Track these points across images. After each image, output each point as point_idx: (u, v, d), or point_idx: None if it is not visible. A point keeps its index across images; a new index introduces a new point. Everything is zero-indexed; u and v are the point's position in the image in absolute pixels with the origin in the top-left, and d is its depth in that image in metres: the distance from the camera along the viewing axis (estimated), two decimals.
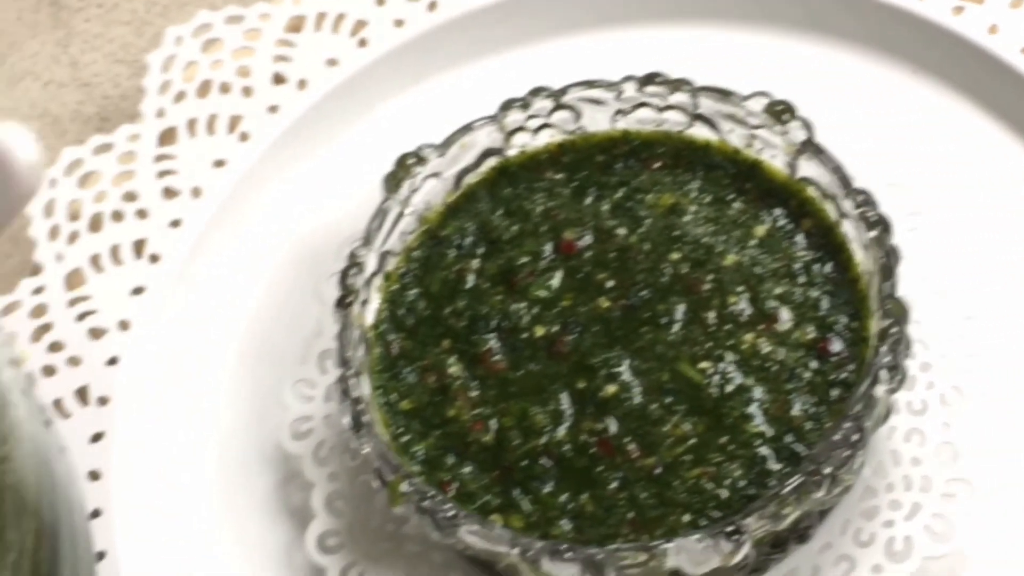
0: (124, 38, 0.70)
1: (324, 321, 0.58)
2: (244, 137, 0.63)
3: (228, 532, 0.56)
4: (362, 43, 0.64)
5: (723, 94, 0.55)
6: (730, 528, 0.47)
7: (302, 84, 0.64)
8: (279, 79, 0.64)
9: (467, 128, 0.56)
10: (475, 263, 0.55)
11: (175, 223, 0.62)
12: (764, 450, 0.50)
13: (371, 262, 0.54)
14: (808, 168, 0.54)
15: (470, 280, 0.55)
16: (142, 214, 0.62)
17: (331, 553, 0.55)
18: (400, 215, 0.55)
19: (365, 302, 0.54)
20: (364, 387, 0.52)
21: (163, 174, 0.63)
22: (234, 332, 0.60)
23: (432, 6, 0.64)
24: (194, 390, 0.59)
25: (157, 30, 0.69)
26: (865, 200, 0.52)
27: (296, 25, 0.65)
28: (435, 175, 0.56)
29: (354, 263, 0.54)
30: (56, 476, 0.47)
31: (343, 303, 0.53)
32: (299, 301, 0.60)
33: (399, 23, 0.64)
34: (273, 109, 0.63)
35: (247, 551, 0.56)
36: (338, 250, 0.57)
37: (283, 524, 0.57)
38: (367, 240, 0.54)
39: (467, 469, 0.52)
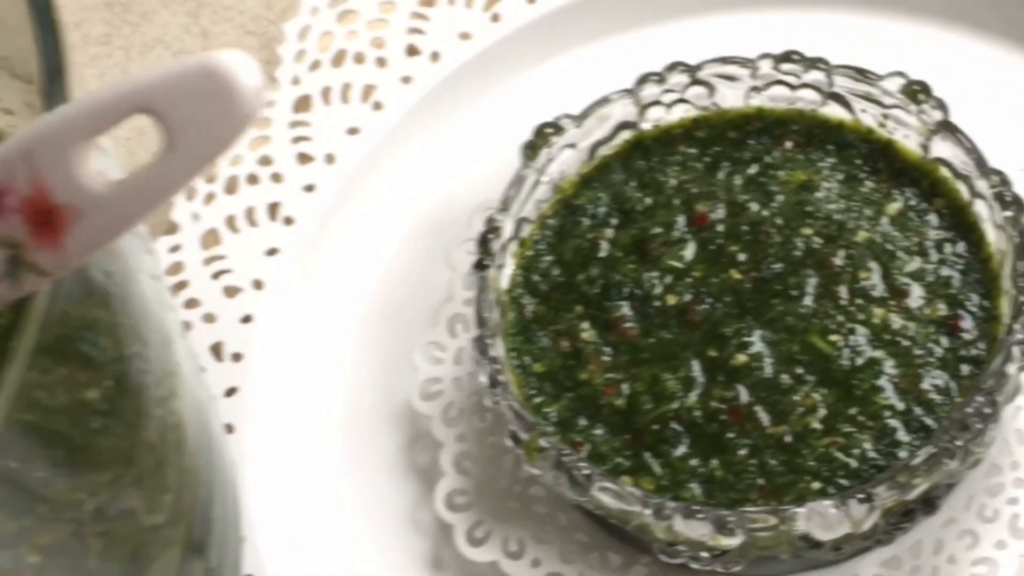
0: (255, 10, 0.71)
1: (454, 286, 0.59)
2: (378, 106, 0.64)
3: (356, 488, 0.58)
4: (495, 18, 0.65)
5: (859, 72, 0.56)
6: (862, 495, 0.48)
7: (435, 56, 0.65)
8: (413, 51, 0.65)
9: (604, 100, 0.57)
10: (608, 232, 0.56)
11: (309, 188, 0.63)
12: (894, 422, 0.51)
13: (507, 228, 0.56)
14: (942, 148, 0.55)
15: (603, 249, 0.56)
16: (277, 178, 0.63)
17: (459, 511, 0.56)
18: (536, 183, 0.56)
19: (500, 267, 0.55)
20: (499, 349, 0.54)
21: (297, 140, 0.64)
22: (364, 294, 0.61)
23: None
24: (325, 350, 0.60)
25: (287, 3, 0.70)
26: (1001, 180, 0.53)
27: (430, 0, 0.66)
28: (571, 146, 0.57)
29: (492, 228, 0.55)
30: (210, 422, 0.48)
31: (480, 266, 0.54)
32: (428, 267, 0.61)
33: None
34: (406, 80, 0.65)
35: (374, 507, 0.57)
36: (468, 218, 0.59)
37: (410, 482, 0.58)
38: (504, 206, 0.55)
39: (599, 431, 0.53)
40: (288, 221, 0.63)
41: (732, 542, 0.49)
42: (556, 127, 0.57)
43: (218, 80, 0.28)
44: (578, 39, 0.65)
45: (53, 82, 0.35)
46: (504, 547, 0.55)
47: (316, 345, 0.61)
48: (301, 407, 0.59)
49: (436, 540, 0.57)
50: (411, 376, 0.59)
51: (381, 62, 0.66)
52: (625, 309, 0.54)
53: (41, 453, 0.37)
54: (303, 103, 0.65)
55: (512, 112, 0.64)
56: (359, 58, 0.66)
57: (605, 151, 0.58)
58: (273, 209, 0.63)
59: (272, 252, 0.62)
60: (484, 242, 0.55)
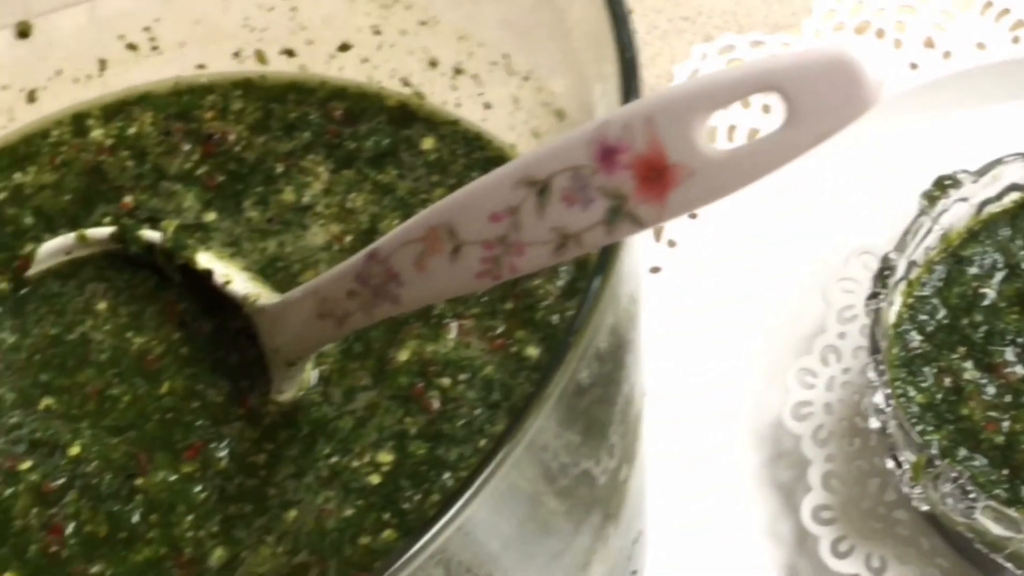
0: None
1: (828, 320, 0.64)
2: None
3: (722, 494, 0.62)
4: (913, 66, 0.69)
5: None
6: None
7: None
8: None
9: (998, 161, 0.61)
10: (993, 283, 0.60)
11: (692, 215, 0.68)
12: None
13: (900, 268, 0.60)
14: None
15: (988, 298, 0.60)
16: None
17: (824, 525, 0.60)
18: (929, 231, 0.61)
19: (890, 304, 0.59)
20: (885, 376, 0.58)
21: None
22: (738, 319, 0.66)
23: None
24: (702, 367, 0.65)
25: (655, 52, 0.75)
26: None
27: None
28: (963, 199, 0.61)
29: (887, 266, 0.59)
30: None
31: (875, 298, 0.59)
32: (803, 299, 0.66)
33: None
34: None
35: (737, 515, 0.62)
36: (846, 260, 0.63)
37: (771, 496, 0.62)
38: (900, 247, 0.60)
39: (978, 463, 0.56)
40: (671, 244, 0.68)
41: None
42: (954, 181, 0.61)
43: (847, 70, 0.33)
44: (982, 98, 0.68)
45: (629, 74, 0.40)
46: (867, 563, 0.59)
47: (692, 362, 0.65)
48: (678, 411, 0.64)
49: (793, 551, 0.61)
50: (781, 397, 0.63)
51: (766, 108, 0.70)
52: (1008, 355, 0.58)
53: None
54: None
55: (903, 157, 0.68)
56: (745, 103, 0.71)
57: (993, 208, 0.62)
58: (657, 231, 0.68)
59: (655, 270, 0.67)
60: (881, 277, 0.59)
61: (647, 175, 0.36)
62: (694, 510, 0.61)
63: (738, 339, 0.65)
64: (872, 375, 0.57)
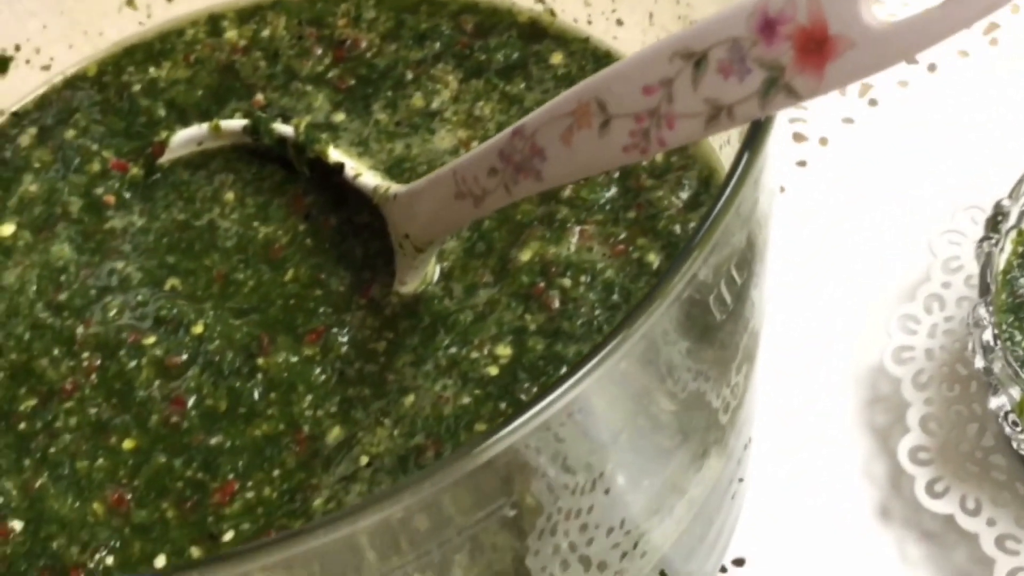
0: None
1: (933, 270, 0.64)
2: (873, 102, 0.70)
3: (815, 431, 0.62)
4: (993, 42, 0.70)
5: None
6: None
7: (932, 67, 0.70)
8: (910, 59, 0.71)
9: None
10: None
11: (801, 163, 0.69)
12: None
13: (1012, 215, 0.60)
14: None
15: None
16: None
17: (920, 465, 0.60)
18: None
19: (1000, 250, 0.60)
20: (994, 317, 0.58)
21: (794, 120, 0.70)
22: (841, 268, 0.67)
23: None
24: (805, 315, 0.65)
25: None
26: None
27: None
28: None
29: (999, 212, 0.60)
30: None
31: (986, 241, 0.59)
32: (905, 249, 0.66)
33: None
34: (903, 84, 0.70)
35: (831, 453, 0.62)
36: (954, 214, 0.64)
37: (866, 437, 0.63)
38: (1014, 195, 0.60)
39: None
40: (781, 190, 0.68)
41: None
42: None
43: None
44: None
45: None
46: (962, 504, 0.59)
47: (797, 309, 0.66)
48: (780, 357, 0.64)
49: (886, 491, 0.61)
50: (881, 344, 0.63)
51: None
52: None
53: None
54: None
55: (1002, 124, 0.68)
56: None
57: None
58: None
59: None
60: (994, 222, 0.59)
61: (806, 46, 0.37)
62: (793, 447, 0.62)
63: (841, 288, 0.66)
64: (982, 312, 0.57)
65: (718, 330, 0.44)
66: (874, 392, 0.64)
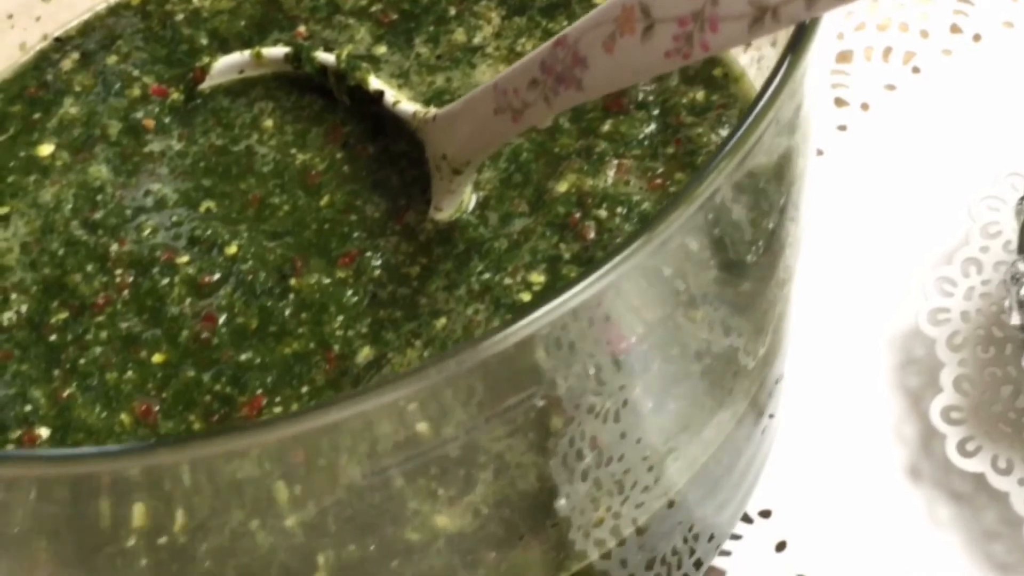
0: None
1: (971, 234, 0.64)
2: (916, 70, 0.70)
3: (854, 393, 0.62)
4: None
5: None
6: None
7: (976, 37, 0.70)
8: (955, 28, 0.70)
9: None
10: None
11: (841, 127, 0.68)
12: None
13: None
14: None
15: None
16: None
17: (952, 424, 0.59)
18: None
19: None
20: None
21: (836, 86, 0.70)
22: (884, 228, 0.66)
23: None
24: (840, 277, 0.65)
25: None
26: None
27: None
28: None
29: None
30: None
31: None
32: (944, 213, 0.66)
33: None
34: (947, 52, 0.70)
35: (862, 413, 0.61)
36: (994, 180, 0.63)
37: (898, 398, 0.62)
38: None
39: None
40: (819, 152, 0.68)
41: None
42: None
43: None
44: None
45: None
46: (993, 463, 0.58)
47: (837, 268, 0.65)
48: (814, 315, 0.64)
49: (917, 452, 0.61)
50: (917, 306, 0.63)
51: (924, 33, 0.71)
52: None
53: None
54: (844, 56, 0.71)
55: None
56: (903, 27, 0.71)
57: None
58: None
59: None
60: None
61: None
62: (825, 405, 0.61)
63: (878, 250, 0.66)
64: (1022, 267, 0.56)
65: (755, 242, 0.44)
66: (908, 354, 0.63)
